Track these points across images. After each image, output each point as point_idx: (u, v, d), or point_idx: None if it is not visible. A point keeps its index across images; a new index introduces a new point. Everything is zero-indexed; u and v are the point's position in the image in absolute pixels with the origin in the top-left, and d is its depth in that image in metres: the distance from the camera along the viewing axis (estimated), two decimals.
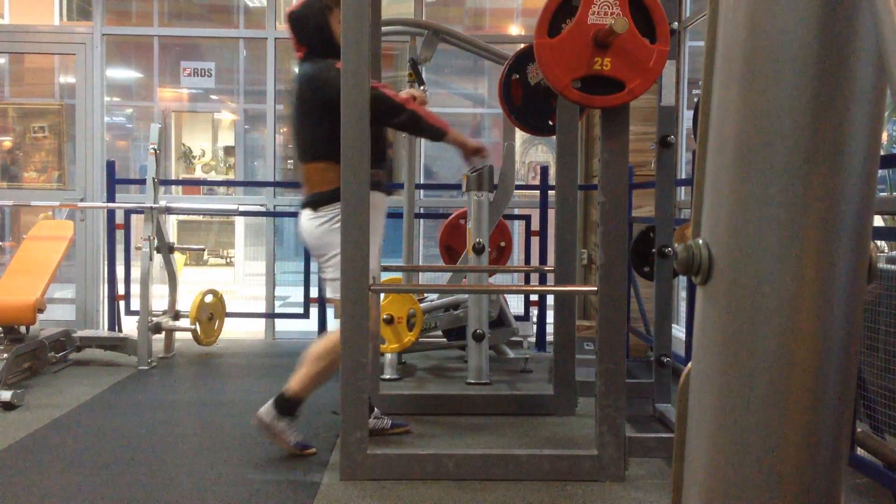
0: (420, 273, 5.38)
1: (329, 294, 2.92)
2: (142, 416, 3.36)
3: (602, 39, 2.35)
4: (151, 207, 4.39)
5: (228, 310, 4.96)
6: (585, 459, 2.62)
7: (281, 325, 5.33)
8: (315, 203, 2.82)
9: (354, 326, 2.57)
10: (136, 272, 4.65)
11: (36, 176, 5.44)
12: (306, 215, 2.86)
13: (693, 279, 0.94)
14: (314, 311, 5.00)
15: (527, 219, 5.05)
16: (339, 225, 2.66)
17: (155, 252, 4.41)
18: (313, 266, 5.01)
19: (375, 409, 3.10)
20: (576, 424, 3.29)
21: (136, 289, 4.68)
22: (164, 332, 4.53)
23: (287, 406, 2.79)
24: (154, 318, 4.40)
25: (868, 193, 0.85)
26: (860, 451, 2.36)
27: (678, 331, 4.32)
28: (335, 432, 3.01)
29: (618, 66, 2.39)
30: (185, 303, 4.74)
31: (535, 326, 4.95)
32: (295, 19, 2.83)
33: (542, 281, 4.92)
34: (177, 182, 7.83)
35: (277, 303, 5.36)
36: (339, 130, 2.56)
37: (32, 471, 2.67)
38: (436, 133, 2.90)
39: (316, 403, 3.55)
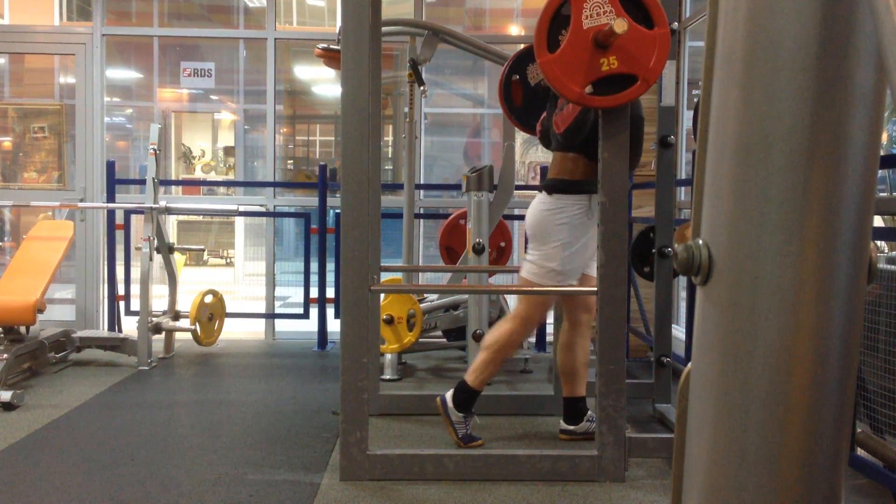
0: (420, 273, 5.38)
1: (522, 273, 2.97)
2: (142, 416, 3.36)
3: (602, 41, 2.35)
4: (151, 208, 4.39)
5: (228, 310, 4.96)
6: (585, 459, 2.62)
7: (281, 325, 5.33)
8: (551, 188, 2.87)
9: (354, 326, 2.57)
10: (136, 272, 4.65)
11: (36, 176, 5.44)
12: (539, 198, 2.92)
13: (693, 279, 0.93)
14: (314, 311, 5.00)
15: None
16: (561, 216, 2.81)
17: (155, 252, 4.41)
18: (313, 266, 5.02)
19: (589, 411, 3.09)
20: None
21: (136, 289, 4.68)
22: (163, 333, 4.53)
23: (464, 399, 2.93)
24: (154, 319, 4.40)
25: (868, 193, 0.85)
26: (860, 451, 2.36)
27: (678, 331, 4.32)
28: (335, 432, 3.02)
29: (624, 60, 2.40)
30: (185, 303, 4.74)
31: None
32: None
33: None
34: (177, 182, 7.82)
35: (277, 303, 5.36)
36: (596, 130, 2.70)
37: (32, 471, 2.67)
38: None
39: (316, 403, 3.56)
